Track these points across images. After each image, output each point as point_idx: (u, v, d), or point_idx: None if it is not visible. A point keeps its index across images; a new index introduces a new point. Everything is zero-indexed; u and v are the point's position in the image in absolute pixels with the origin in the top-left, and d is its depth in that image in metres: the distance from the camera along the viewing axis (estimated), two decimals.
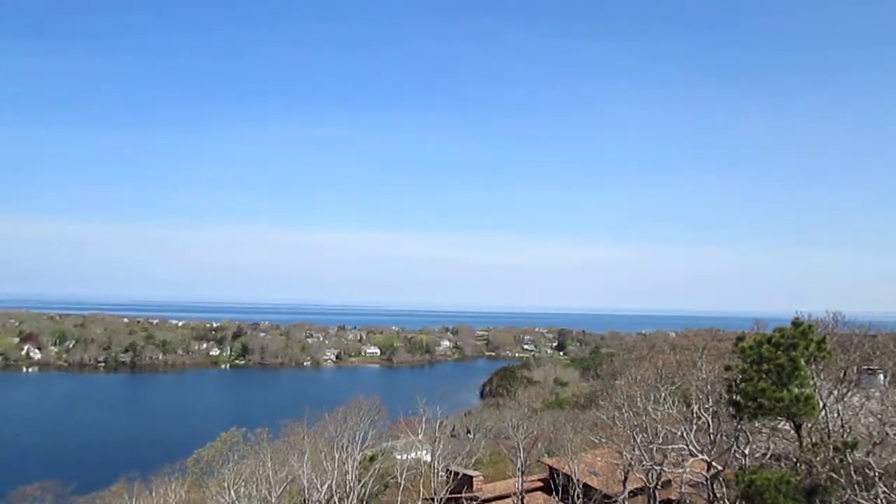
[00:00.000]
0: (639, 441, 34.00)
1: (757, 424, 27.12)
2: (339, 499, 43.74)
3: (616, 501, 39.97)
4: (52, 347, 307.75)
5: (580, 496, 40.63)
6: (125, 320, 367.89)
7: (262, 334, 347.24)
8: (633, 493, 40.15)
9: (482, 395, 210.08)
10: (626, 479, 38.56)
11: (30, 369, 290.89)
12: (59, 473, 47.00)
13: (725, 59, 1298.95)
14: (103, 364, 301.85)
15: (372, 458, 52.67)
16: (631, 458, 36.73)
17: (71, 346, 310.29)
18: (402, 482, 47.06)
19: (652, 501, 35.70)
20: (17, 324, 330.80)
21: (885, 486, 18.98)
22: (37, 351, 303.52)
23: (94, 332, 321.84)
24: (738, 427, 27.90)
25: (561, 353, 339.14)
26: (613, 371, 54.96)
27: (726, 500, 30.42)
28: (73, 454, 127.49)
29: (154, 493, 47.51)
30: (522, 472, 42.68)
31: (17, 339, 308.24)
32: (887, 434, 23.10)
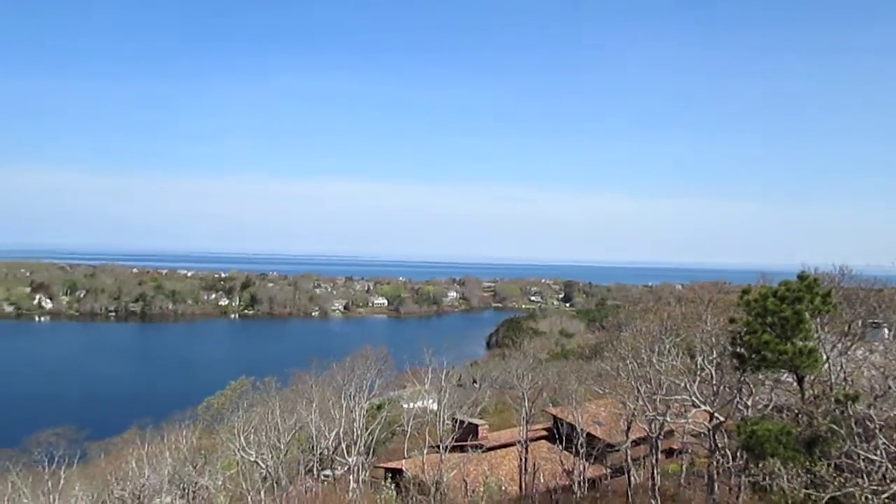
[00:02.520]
0: (642, 392, 34.31)
1: (760, 377, 27.32)
2: (347, 446, 44.54)
3: (619, 450, 40.58)
4: (64, 297, 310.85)
5: (583, 445, 41.23)
6: (134, 270, 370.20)
7: (271, 284, 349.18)
8: (636, 443, 40.72)
9: (488, 346, 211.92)
10: (628, 428, 39.06)
11: (42, 318, 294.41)
12: (73, 420, 47.79)
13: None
14: (114, 313, 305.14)
15: (379, 407, 53.43)
16: (634, 409, 37.13)
17: (82, 295, 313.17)
18: (409, 430, 47.79)
19: (654, 451, 36.22)
20: (28, 274, 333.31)
21: (885, 437, 19.19)
22: (48, 300, 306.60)
23: (105, 282, 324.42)
24: (742, 379, 28.11)
25: (567, 305, 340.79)
26: (619, 323, 55.22)
27: (727, 450, 30.87)
28: (86, 402, 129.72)
29: (166, 440, 48.38)
30: (527, 421, 43.26)
31: (28, 289, 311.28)
32: (889, 387, 23.24)
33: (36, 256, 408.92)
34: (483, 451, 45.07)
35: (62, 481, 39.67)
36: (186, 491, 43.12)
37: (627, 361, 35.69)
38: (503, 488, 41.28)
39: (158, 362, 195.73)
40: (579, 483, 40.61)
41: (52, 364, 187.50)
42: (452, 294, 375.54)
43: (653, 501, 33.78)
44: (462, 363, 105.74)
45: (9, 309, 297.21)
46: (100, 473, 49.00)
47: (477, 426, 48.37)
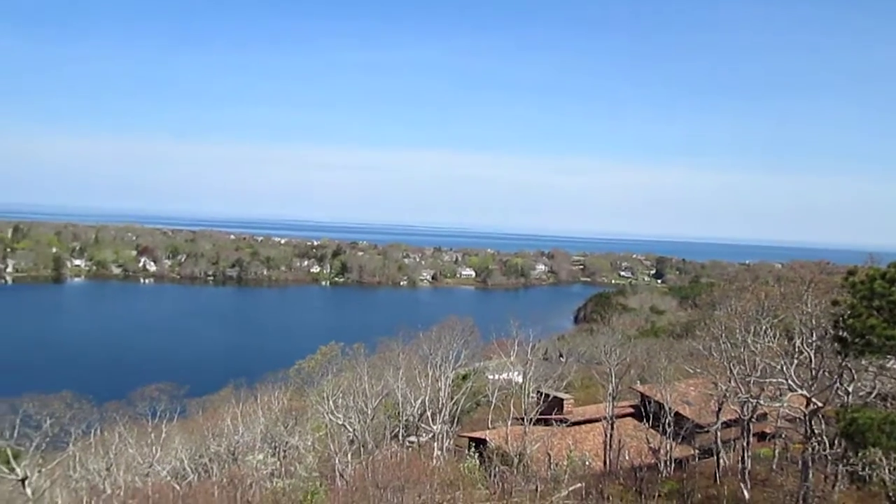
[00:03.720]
0: (735, 373, 33.27)
1: (863, 362, 26.02)
2: (432, 414, 45.09)
3: (708, 431, 39.60)
4: (166, 261, 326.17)
5: (671, 424, 40.42)
6: (232, 237, 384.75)
7: (361, 253, 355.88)
8: (727, 424, 39.65)
9: (576, 321, 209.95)
10: (719, 409, 38.04)
11: (146, 281, 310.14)
12: (174, 377, 50.20)
13: None
14: (212, 278, 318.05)
15: (464, 377, 53.81)
16: (726, 390, 36.10)
17: (182, 259, 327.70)
18: (493, 401, 47.94)
19: (745, 433, 35.17)
20: (134, 238, 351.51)
21: None
22: (152, 263, 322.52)
23: (204, 248, 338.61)
24: (843, 364, 26.86)
25: (658, 281, 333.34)
26: (712, 301, 53.44)
27: (825, 437, 29.63)
28: (186, 360, 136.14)
29: (259, 400, 50.22)
30: (613, 398, 42.69)
31: (134, 252, 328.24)
32: None
33: (141, 221, 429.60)
34: (567, 426, 44.79)
35: (163, 434, 41.81)
36: (277, 450, 44.69)
37: (720, 341, 34.64)
38: (587, 463, 40.95)
39: (253, 326, 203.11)
40: (665, 462, 39.90)
41: (156, 324, 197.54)
42: (541, 267, 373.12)
43: (742, 485, 32.87)
44: (549, 337, 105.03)
45: (117, 271, 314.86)
46: (197, 429, 51.34)
47: (562, 400, 48.03)
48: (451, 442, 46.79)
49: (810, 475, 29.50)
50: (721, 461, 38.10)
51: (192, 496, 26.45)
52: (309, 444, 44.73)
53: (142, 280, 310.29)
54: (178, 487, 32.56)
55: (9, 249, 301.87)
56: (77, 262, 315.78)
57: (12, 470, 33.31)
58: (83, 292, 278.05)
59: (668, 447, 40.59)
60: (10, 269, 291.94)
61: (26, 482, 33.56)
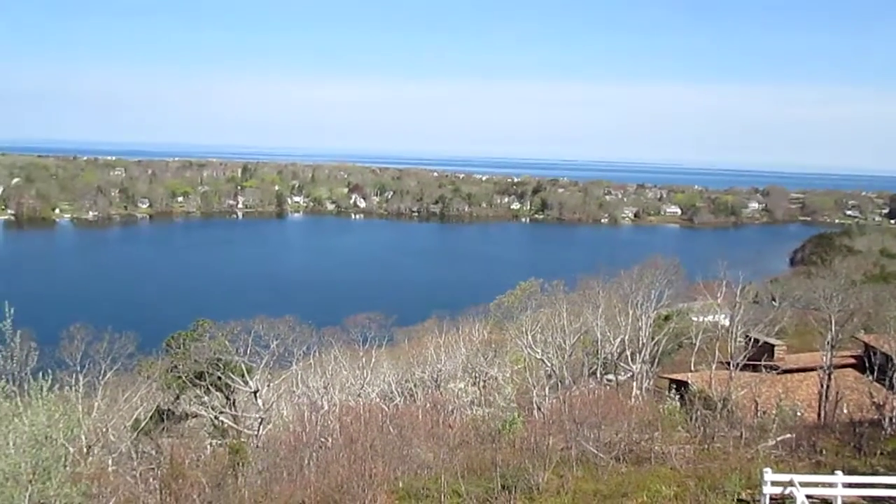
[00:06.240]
0: None
1: None
2: (631, 353, 44.42)
3: None
4: (374, 198, 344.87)
5: None
6: (435, 174, 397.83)
7: (561, 190, 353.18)
8: None
9: (792, 263, 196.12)
10: None
11: (356, 216, 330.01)
12: (382, 307, 53.26)
13: None
14: (416, 214, 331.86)
15: (667, 318, 52.26)
16: None
17: (389, 196, 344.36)
18: (697, 344, 46.29)
19: None
20: (346, 176, 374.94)
21: None
22: (362, 200, 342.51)
23: (409, 185, 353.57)
24: None
25: (892, 222, 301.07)
26: None
27: None
28: (392, 292, 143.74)
29: (460, 331, 52.08)
30: (832, 347, 39.46)
31: (346, 190, 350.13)
32: None
33: (352, 160, 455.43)
34: (778, 373, 42.18)
35: (373, 359, 44.72)
36: (477, 379, 46.27)
37: None
38: (798, 414, 38.49)
39: (455, 260, 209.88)
40: (890, 419, 36.50)
41: (366, 257, 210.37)
42: (753, 205, 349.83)
43: None
44: (760, 279, 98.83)
45: (331, 207, 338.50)
46: (403, 356, 54.37)
47: (773, 346, 45.21)
48: (651, 382, 45.98)
49: None
50: None
51: (399, 417, 28.15)
52: (507, 375, 45.83)
53: (352, 216, 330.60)
54: (385, 408, 34.81)
55: (239, 188, 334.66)
56: (296, 198, 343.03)
57: (246, 383, 37.36)
58: (302, 227, 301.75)
59: (895, 403, 37.04)
60: (240, 206, 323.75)
61: (257, 394, 37.53)
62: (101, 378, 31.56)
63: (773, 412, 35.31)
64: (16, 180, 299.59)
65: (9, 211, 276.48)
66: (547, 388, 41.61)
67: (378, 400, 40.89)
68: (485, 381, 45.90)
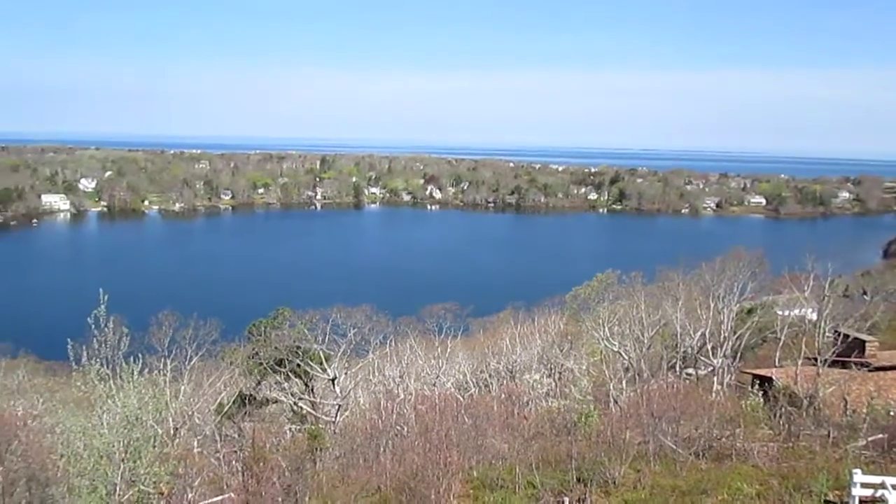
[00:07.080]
0: None
1: None
2: (712, 347, 43.30)
3: None
4: (450, 188, 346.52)
5: None
6: (511, 165, 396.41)
7: (640, 180, 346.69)
8: None
9: (885, 255, 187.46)
10: None
11: (432, 207, 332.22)
12: (458, 297, 53.53)
13: None
14: (492, 204, 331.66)
15: (750, 311, 50.68)
16: None
17: (465, 187, 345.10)
18: (783, 338, 44.70)
19: None
20: (422, 167, 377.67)
21: None
22: (437, 191, 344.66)
23: (484, 176, 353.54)
24: None
25: None
26: None
27: None
28: (468, 282, 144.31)
29: (536, 322, 51.77)
30: None
31: (422, 181, 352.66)
32: None
33: (428, 151, 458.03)
34: (869, 370, 40.38)
35: (448, 349, 44.97)
36: (553, 371, 45.94)
37: None
38: (891, 413, 36.78)
39: (531, 251, 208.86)
40: None
41: (442, 248, 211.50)
42: (844, 194, 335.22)
43: None
44: (850, 272, 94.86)
45: (407, 198, 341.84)
46: (478, 346, 54.50)
47: (864, 342, 43.25)
48: (733, 377, 44.70)
49: None
50: None
51: (474, 407, 28.18)
52: (583, 368, 45.35)
53: (428, 207, 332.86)
54: (460, 398, 34.94)
55: (317, 179, 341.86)
56: (373, 189, 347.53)
57: (324, 370, 38.13)
58: (378, 218, 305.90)
59: None
60: (318, 197, 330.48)
61: (335, 382, 38.26)
62: (187, 363, 32.89)
63: (864, 411, 33.84)
64: (108, 174, 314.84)
65: (102, 203, 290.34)
66: (624, 382, 40.96)
67: (453, 390, 41.09)
68: (560, 373, 45.54)
